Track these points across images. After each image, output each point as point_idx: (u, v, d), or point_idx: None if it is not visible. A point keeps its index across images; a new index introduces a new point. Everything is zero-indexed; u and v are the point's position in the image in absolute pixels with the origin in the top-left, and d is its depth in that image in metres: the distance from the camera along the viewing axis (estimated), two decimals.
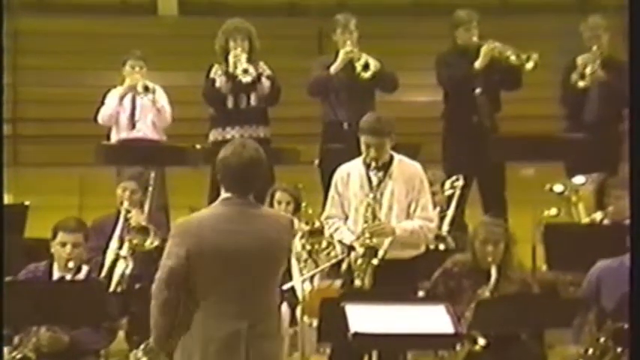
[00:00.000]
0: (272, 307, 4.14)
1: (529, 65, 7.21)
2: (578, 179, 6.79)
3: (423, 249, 5.59)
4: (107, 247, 6.33)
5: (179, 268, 4.03)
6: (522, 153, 6.79)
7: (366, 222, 5.45)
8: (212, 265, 4.05)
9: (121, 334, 5.90)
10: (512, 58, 7.23)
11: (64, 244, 5.41)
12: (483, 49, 7.26)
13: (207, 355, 4.07)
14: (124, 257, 6.28)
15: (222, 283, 4.06)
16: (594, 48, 7.30)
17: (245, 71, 7.24)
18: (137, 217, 6.46)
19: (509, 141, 7.15)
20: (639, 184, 3.44)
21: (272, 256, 4.11)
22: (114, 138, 7.68)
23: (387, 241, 5.46)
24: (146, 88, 7.55)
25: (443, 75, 7.43)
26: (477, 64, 7.27)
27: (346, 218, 5.57)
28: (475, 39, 7.34)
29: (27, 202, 6.34)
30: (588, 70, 7.26)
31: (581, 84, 7.28)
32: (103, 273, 6.09)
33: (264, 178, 4.20)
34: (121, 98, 7.65)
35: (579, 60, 7.32)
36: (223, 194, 4.16)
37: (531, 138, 7.15)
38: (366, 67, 7.33)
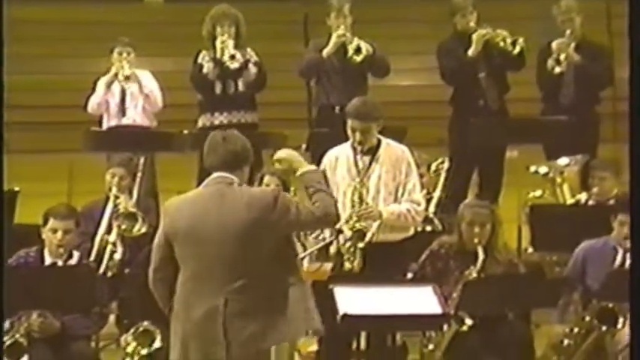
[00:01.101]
0: (255, 284, 4.11)
1: (515, 50, 7.26)
2: (563, 160, 6.85)
3: (411, 232, 5.63)
4: (96, 232, 6.36)
5: (158, 247, 4.22)
6: (505, 136, 6.85)
7: (353, 206, 5.50)
8: (185, 244, 4.15)
9: (112, 318, 5.94)
10: (500, 43, 7.27)
11: (55, 231, 5.44)
12: (474, 37, 7.31)
13: (188, 332, 4.14)
14: (113, 243, 6.32)
15: (195, 262, 4.14)
16: (568, 32, 7.35)
17: (232, 57, 7.27)
18: (126, 203, 6.49)
19: (496, 124, 7.21)
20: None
21: (247, 233, 4.11)
22: (105, 125, 7.70)
23: (374, 225, 5.50)
24: (127, 78, 7.56)
25: (444, 65, 7.46)
26: (470, 51, 7.31)
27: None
28: (472, 24, 7.37)
29: (17, 188, 6.36)
30: (563, 56, 7.32)
31: (557, 69, 7.34)
32: (92, 258, 6.12)
33: (249, 158, 4.26)
34: (108, 86, 7.66)
35: (554, 45, 7.36)
36: (211, 176, 4.25)
37: (513, 121, 7.21)
38: (357, 50, 7.36)
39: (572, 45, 7.35)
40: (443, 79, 7.54)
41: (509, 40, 7.26)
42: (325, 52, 7.43)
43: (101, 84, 7.69)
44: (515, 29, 7.41)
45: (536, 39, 7.54)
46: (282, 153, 4.44)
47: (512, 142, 6.93)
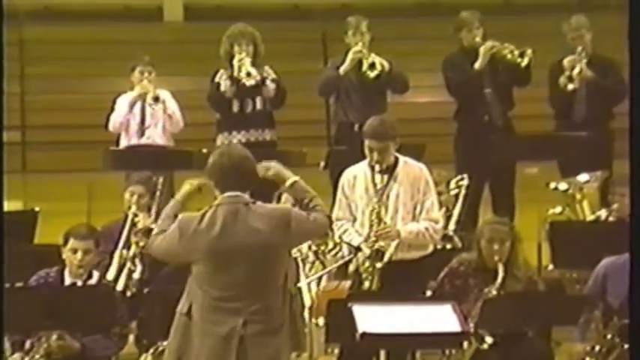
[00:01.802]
0: (271, 304, 4.15)
1: (524, 62, 7.25)
2: (583, 177, 6.82)
3: (430, 250, 5.62)
4: (115, 251, 6.37)
5: (171, 256, 4.33)
6: (527, 152, 6.83)
7: (371, 225, 5.49)
8: (207, 267, 4.16)
9: (131, 338, 5.94)
10: (508, 55, 7.27)
11: (75, 251, 5.45)
12: (481, 50, 7.31)
13: (203, 350, 4.15)
14: (132, 261, 6.32)
15: (218, 284, 4.15)
16: (579, 48, 7.34)
17: (248, 74, 7.28)
18: (145, 221, 6.50)
19: (514, 140, 7.20)
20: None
21: (268, 252, 4.15)
22: (123, 144, 7.73)
23: (393, 244, 5.50)
24: (156, 99, 7.60)
25: (449, 78, 7.47)
26: (477, 64, 7.32)
27: (354, 220, 5.62)
28: (478, 39, 7.38)
29: (37, 208, 6.39)
30: (575, 73, 7.30)
31: (570, 87, 7.32)
32: (110, 277, 6.13)
33: (255, 175, 4.28)
34: (131, 105, 7.70)
35: (565, 62, 7.35)
36: (220, 196, 4.26)
37: (534, 137, 7.19)
38: (372, 66, 7.35)
39: (584, 61, 7.34)
40: (449, 91, 7.54)
41: (516, 52, 7.26)
42: (342, 70, 7.44)
43: (124, 103, 7.72)
44: (522, 46, 7.40)
45: (545, 57, 7.53)
46: (269, 164, 4.45)
47: (527, 159, 6.90)
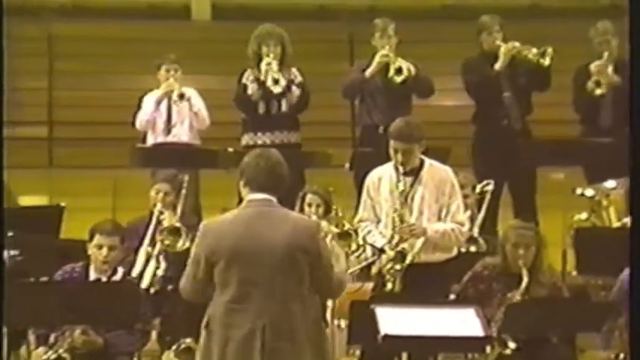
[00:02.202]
0: (293, 310, 4.14)
1: (546, 61, 7.22)
2: (609, 183, 6.78)
3: (454, 252, 5.61)
4: (139, 248, 6.40)
5: (197, 267, 4.22)
6: (551, 157, 6.80)
7: (394, 227, 5.48)
8: (228, 265, 4.16)
9: (153, 334, 5.97)
10: (529, 55, 7.24)
11: (100, 247, 5.48)
12: (502, 50, 7.29)
13: (226, 354, 4.14)
14: (156, 258, 6.35)
15: (238, 284, 4.15)
16: (605, 54, 7.30)
17: (276, 82, 7.31)
18: (170, 219, 6.52)
19: (538, 145, 7.17)
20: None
21: (289, 258, 4.14)
22: (149, 142, 7.76)
23: (418, 243, 5.49)
24: (181, 96, 7.63)
25: (468, 81, 7.47)
26: (497, 65, 7.31)
27: (379, 222, 5.61)
28: (498, 42, 7.37)
29: (62, 204, 6.43)
30: (604, 78, 7.26)
31: (598, 92, 7.28)
32: (135, 273, 6.16)
33: (287, 181, 4.29)
34: (158, 103, 7.73)
35: (593, 67, 7.32)
36: (249, 196, 4.26)
37: (560, 142, 7.16)
38: (399, 71, 7.36)
39: (610, 67, 7.30)
40: (468, 94, 7.52)
41: (537, 52, 7.23)
42: (368, 73, 7.44)
43: (150, 101, 7.76)
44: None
45: (569, 61, 7.49)
46: None
47: (552, 164, 6.87)
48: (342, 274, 4.49)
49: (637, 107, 3.53)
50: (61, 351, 5.27)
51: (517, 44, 7.32)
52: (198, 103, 7.76)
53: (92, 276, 5.50)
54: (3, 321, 4.55)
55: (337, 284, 4.31)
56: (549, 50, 7.22)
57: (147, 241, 6.44)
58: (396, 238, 5.49)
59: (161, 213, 6.54)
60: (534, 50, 7.26)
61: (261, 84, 7.36)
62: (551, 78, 7.35)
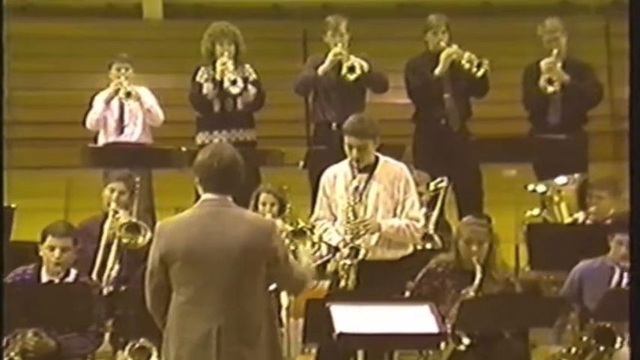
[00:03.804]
0: (249, 311, 4.11)
1: (479, 72, 7.26)
2: (560, 179, 6.86)
3: (410, 249, 5.63)
4: (97, 249, 6.33)
5: (153, 273, 4.18)
6: (498, 154, 6.85)
7: (349, 223, 5.49)
8: (183, 266, 4.12)
9: (106, 336, 5.92)
10: (465, 65, 7.28)
11: (52, 248, 5.43)
12: (442, 55, 7.32)
13: (181, 356, 4.12)
14: (110, 259, 6.29)
15: (193, 284, 4.11)
16: (555, 51, 7.36)
17: (233, 82, 7.29)
18: (125, 219, 6.47)
19: (479, 143, 7.22)
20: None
21: (245, 259, 4.11)
22: (101, 141, 7.71)
23: (373, 239, 5.50)
24: (128, 94, 7.58)
25: (410, 83, 7.50)
26: (437, 70, 7.34)
27: (335, 220, 5.62)
28: (443, 44, 7.39)
29: (13, 205, 6.35)
30: (555, 75, 7.32)
31: (550, 89, 7.34)
32: (93, 275, 6.10)
33: (242, 179, 4.25)
34: (107, 102, 7.67)
35: (542, 65, 7.36)
36: (203, 196, 4.24)
37: (507, 140, 7.23)
38: (351, 69, 7.37)
39: (559, 64, 7.36)
40: (409, 96, 7.56)
41: (475, 62, 7.26)
42: (321, 70, 7.44)
43: (99, 100, 7.70)
44: (499, 48, 7.41)
45: (522, 59, 7.54)
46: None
47: (500, 161, 6.93)
48: (305, 271, 4.49)
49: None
50: (12, 354, 5.21)
51: (457, 50, 7.30)
52: (150, 100, 7.71)
53: (44, 278, 5.44)
54: None
55: (299, 282, 4.30)
56: (485, 62, 7.25)
57: (103, 241, 6.37)
58: (350, 233, 5.49)
59: (115, 212, 6.48)
60: (473, 57, 7.25)
61: (217, 83, 7.33)
62: (488, 86, 7.38)
